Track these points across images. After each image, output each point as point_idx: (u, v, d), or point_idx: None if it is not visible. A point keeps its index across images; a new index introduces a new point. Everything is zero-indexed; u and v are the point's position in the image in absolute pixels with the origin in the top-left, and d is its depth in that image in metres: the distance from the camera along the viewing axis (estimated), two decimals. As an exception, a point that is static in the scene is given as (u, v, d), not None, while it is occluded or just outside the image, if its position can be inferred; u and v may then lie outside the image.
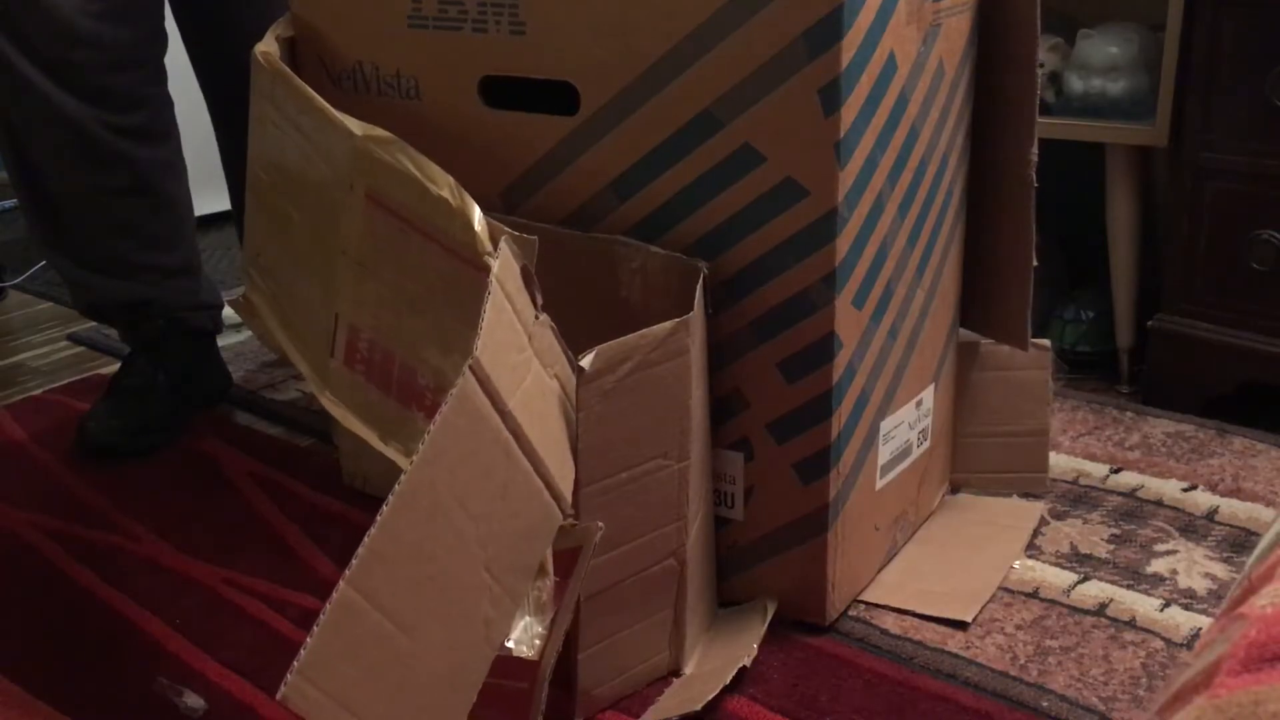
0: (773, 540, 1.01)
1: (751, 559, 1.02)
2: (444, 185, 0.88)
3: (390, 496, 0.65)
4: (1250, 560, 0.52)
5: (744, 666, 0.94)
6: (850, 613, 1.04)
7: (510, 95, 1.03)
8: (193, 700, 0.94)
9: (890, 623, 1.03)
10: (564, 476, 0.80)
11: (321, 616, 0.63)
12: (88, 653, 1.03)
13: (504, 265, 0.78)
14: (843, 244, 0.90)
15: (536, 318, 0.82)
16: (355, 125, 0.95)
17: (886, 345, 1.00)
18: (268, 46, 1.07)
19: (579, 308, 0.95)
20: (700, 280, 0.92)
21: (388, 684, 0.66)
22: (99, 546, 1.19)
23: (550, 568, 0.84)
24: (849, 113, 0.87)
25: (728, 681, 0.91)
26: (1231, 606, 0.46)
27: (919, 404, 1.09)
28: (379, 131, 0.94)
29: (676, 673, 0.96)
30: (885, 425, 1.03)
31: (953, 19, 1.00)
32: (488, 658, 0.74)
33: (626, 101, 0.95)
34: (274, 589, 1.11)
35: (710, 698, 0.90)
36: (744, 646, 0.96)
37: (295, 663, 0.61)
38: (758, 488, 1.00)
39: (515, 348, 0.77)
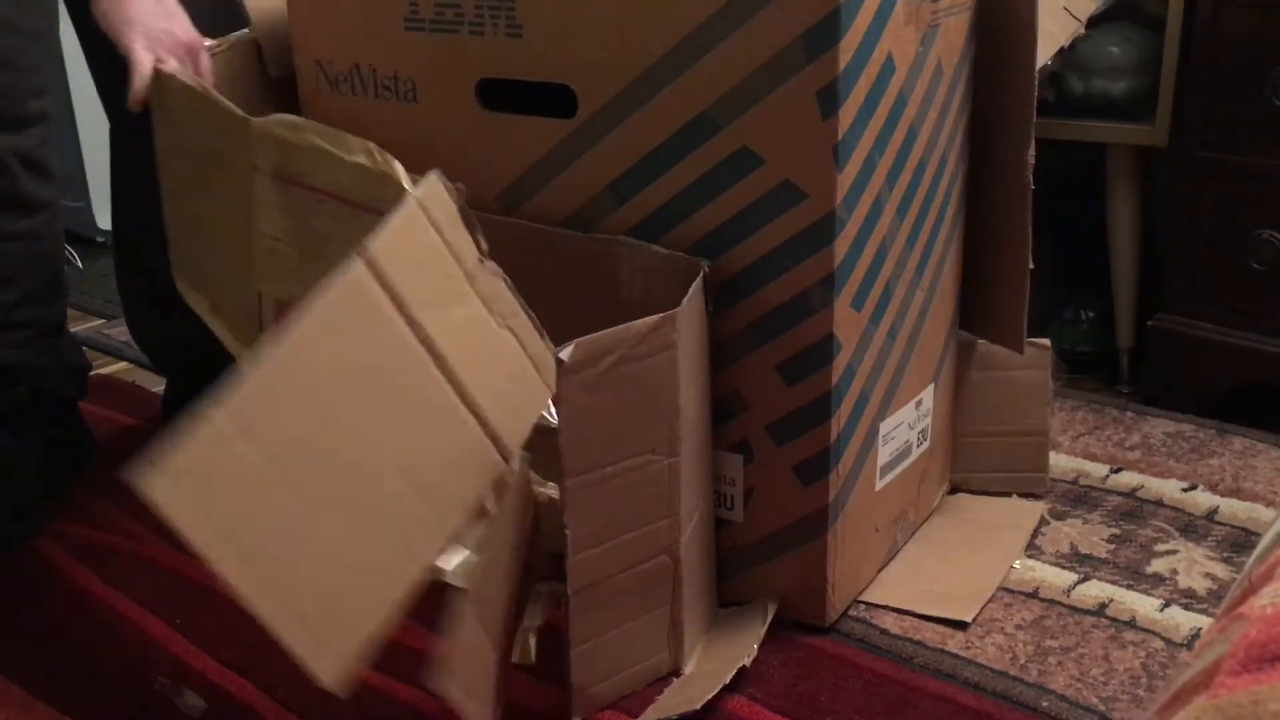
0: (773, 541, 1.01)
1: (752, 560, 1.02)
2: (359, 150, 0.87)
3: (267, 348, 0.65)
4: (1250, 560, 0.52)
5: (744, 667, 0.94)
6: (850, 613, 1.04)
7: (507, 97, 1.03)
8: (193, 700, 0.94)
9: (890, 623, 1.03)
10: (507, 425, 0.79)
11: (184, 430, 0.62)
12: (88, 653, 1.03)
13: (431, 193, 0.78)
14: (841, 246, 0.90)
15: (482, 261, 0.81)
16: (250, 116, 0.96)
17: (886, 346, 1.00)
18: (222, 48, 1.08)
19: (579, 308, 0.95)
20: (699, 277, 0.92)
21: (263, 513, 0.66)
22: (99, 546, 1.19)
23: (492, 509, 0.82)
24: (847, 115, 0.87)
25: (727, 681, 0.91)
26: (1231, 606, 0.46)
27: (919, 404, 1.09)
28: (277, 115, 0.94)
29: (676, 673, 0.96)
30: (885, 426, 1.03)
31: (951, 19, 1.00)
32: (407, 570, 0.72)
33: (624, 104, 0.95)
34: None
35: (709, 697, 0.90)
36: (744, 646, 0.96)
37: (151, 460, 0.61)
38: (757, 489, 1.00)
39: (438, 271, 0.77)
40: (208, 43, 1.13)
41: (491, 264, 0.82)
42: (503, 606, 0.85)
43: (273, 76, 1.20)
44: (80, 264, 2.16)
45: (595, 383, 0.84)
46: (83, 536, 1.21)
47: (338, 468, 0.70)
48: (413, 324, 0.74)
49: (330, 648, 0.67)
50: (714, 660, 0.96)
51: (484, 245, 0.81)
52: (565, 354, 0.81)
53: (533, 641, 0.90)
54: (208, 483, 0.64)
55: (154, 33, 1.04)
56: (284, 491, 0.67)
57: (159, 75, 1.03)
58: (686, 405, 0.90)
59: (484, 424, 0.78)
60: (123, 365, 1.69)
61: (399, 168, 0.85)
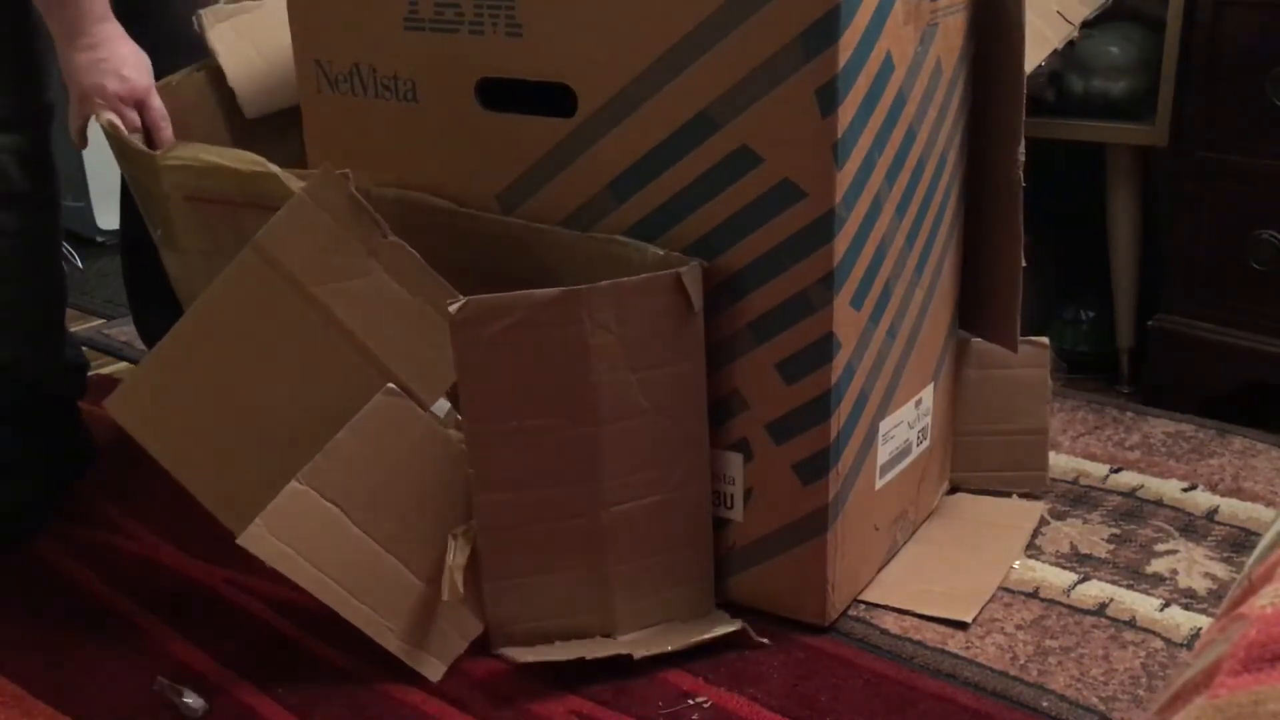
0: (772, 540, 1.01)
1: (751, 559, 1.02)
2: (255, 161, 0.99)
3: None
4: (1250, 560, 0.52)
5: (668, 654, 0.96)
6: (850, 613, 1.04)
7: (507, 97, 1.03)
8: (193, 700, 0.94)
9: (890, 623, 1.03)
10: (419, 377, 0.95)
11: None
12: (88, 653, 1.03)
13: (321, 185, 0.92)
14: (840, 244, 0.90)
15: (385, 238, 0.94)
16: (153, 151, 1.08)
17: (885, 345, 1.00)
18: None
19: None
20: (672, 271, 0.92)
21: (187, 426, 0.96)
22: (99, 546, 1.19)
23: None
24: (846, 113, 0.87)
25: (600, 655, 0.95)
26: (1231, 606, 0.46)
27: (918, 403, 1.09)
28: (180, 143, 1.07)
29: (608, 636, 0.99)
30: (884, 425, 1.03)
31: (950, 18, 1.00)
32: (291, 465, 0.91)
33: (624, 103, 0.95)
34: (274, 589, 1.11)
35: (565, 658, 0.95)
36: (671, 641, 0.97)
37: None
38: (757, 488, 1.00)
39: (335, 250, 0.93)
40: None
41: (395, 240, 0.94)
42: (408, 534, 0.95)
43: (248, 118, 1.23)
44: (80, 264, 2.16)
45: (493, 340, 0.90)
46: (83, 536, 1.21)
47: (245, 397, 0.96)
48: (308, 296, 0.93)
49: (242, 517, 0.91)
50: (651, 644, 0.97)
51: (384, 225, 0.94)
52: (453, 308, 0.90)
53: (458, 578, 0.93)
54: (149, 403, 0.96)
55: (86, 89, 1.11)
56: (203, 411, 0.96)
57: (107, 124, 1.12)
58: (614, 384, 0.93)
59: (387, 374, 0.94)
60: (123, 365, 1.69)
61: (284, 172, 0.97)
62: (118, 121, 1.11)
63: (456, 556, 0.93)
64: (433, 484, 0.95)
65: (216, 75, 1.22)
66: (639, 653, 0.95)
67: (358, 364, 0.94)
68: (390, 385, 0.94)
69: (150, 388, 0.96)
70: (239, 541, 0.89)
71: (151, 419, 0.96)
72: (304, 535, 0.91)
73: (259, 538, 0.89)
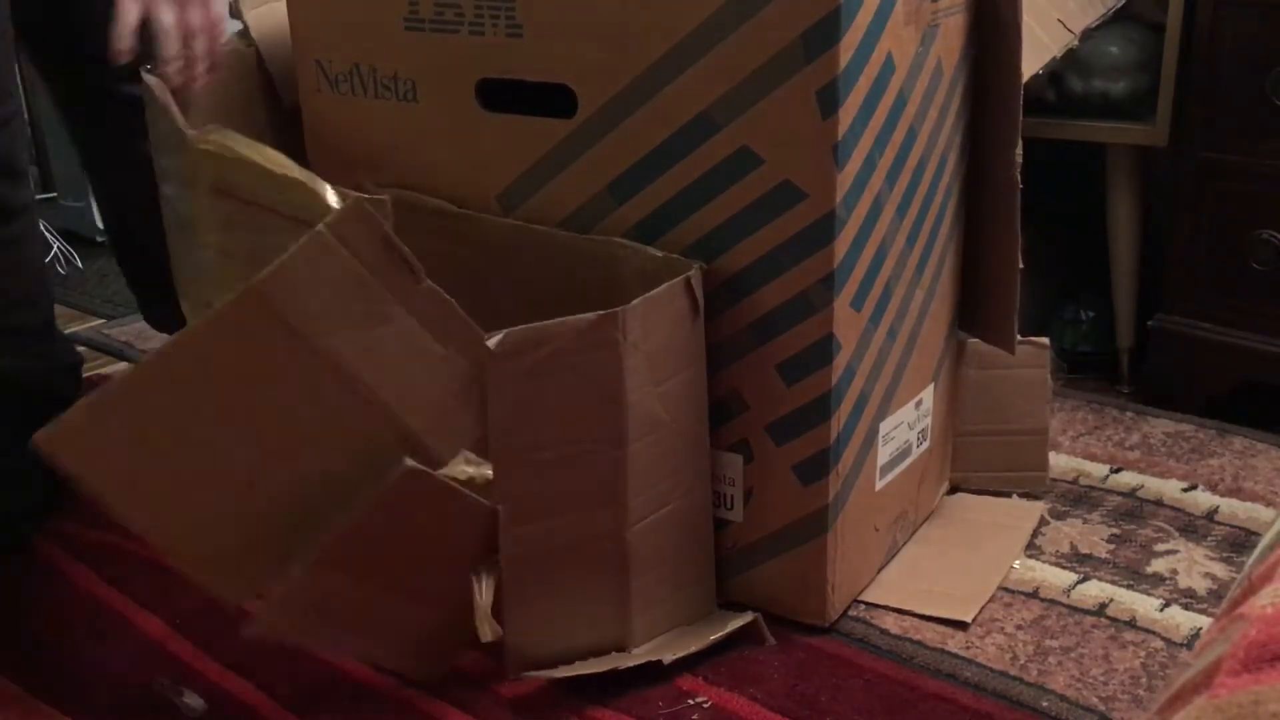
0: (773, 541, 1.01)
1: (751, 560, 1.02)
2: (291, 166, 0.90)
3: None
4: (1250, 560, 0.52)
5: (686, 658, 0.96)
6: (850, 613, 1.04)
7: (507, 97, 1.03)
8: (193, 700, 0.94)
9: (890, 623, 1.03)
10: (438, 433, 0.86)
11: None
12: (88, 653, 1.03)
13: (348, 221, 0.81)
14: (841, 246, 0.90)
15: (419, 284, 0.84)
16: (189, 130, 0.97)
17: (885, 346, 1.00)
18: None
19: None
20: (681, 278, 0.92)
21: (155, 473, 0.83)
22: (99, 546, 1.19)
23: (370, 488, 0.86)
24: (847, 114, 0.87)
25: (633, 664, 0.94)
26: (1231, 607, 0.46)
27: (918, 404, 1.09)
28: (213, 128, 0.96)
29: (621, 649, 0.98)
30: (885, 426, 1.03)
31: (951, 19, 1.00)
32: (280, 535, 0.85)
33: (624, 104, 0.95)
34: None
35: (596, 671, 0.93)
36: (685, 645, 0.97)
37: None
38: (757, 489, 1.00)
39: (355, 296, 0.82)
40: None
41: (430, 285, 0.84)
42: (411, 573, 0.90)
43: (286, 106, 1.20)
44: (80, 264, 2.16)
45: (530, 372, 0.87)
46: (83, 536, 1.21)
47: (225, 452, 0.83)
48: (312, 345, 0.81)
49: (225, 582, 0.87)
50: (665, 650, 0.97)
51: (419, 268, 0.84)
52: (493, 342, 0.85)
53: (490, 616, 0.91)
54: (97, 445, 0.81)
55: None
56: (176, 456, 0.82)
57: (143, 79, 1.03)
58: (642, 401, 0.91)
59: (402, 428, 0.85)
60: (123, 365, 1.69)
61: (328, 190, 0.88)
62: (163, 86, 1.01)
63: (485, 595, 0.89)
64: (454, 545, 0.90)
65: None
66: (668, 658, 0.94)
67: (368, 418, 0.84)
68: (409, 463, 0.84)
69: (101, 428, 0.82)
70: (245, 635, 0.86)
71: (99, 461, 0.82)
72: (317, 613, 0.87)
73: (272, 626, 0.87)
